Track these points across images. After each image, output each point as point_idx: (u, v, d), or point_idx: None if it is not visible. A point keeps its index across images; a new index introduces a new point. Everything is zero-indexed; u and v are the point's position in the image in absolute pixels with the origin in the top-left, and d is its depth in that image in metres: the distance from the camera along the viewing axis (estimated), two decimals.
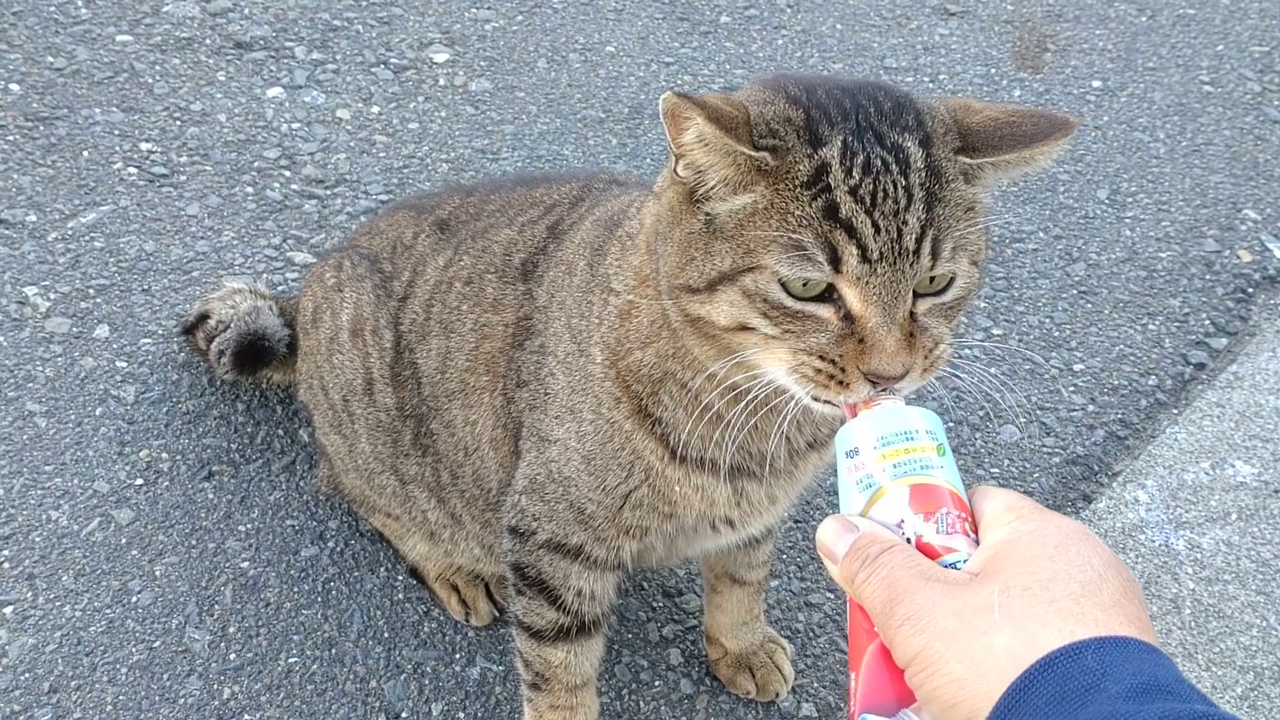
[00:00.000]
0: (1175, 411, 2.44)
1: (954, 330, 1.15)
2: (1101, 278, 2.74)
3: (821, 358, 1.07)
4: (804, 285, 1.07)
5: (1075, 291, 2.70)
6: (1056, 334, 2.59)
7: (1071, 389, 2.47)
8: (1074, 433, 2.38)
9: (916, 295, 1.08)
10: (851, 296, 1.06)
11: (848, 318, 1.07)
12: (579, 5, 3.35)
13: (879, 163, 1.06)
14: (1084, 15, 3.60)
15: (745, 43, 3.30)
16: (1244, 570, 2.12)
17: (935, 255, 1.06)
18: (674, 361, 1.29)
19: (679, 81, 3.14)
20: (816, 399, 1.10)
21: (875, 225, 1.04)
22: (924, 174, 1.07)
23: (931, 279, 1.08)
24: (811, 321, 1.08)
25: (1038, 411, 2.41)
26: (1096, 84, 3.34)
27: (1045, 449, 2.34)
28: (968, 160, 1.11)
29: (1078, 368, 2.52)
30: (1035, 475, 2.28)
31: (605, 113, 3.00)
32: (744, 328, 1.12)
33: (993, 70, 3.33)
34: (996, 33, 3.48)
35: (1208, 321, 2.66)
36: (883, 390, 1.07)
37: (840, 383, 1.07)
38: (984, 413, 2.35)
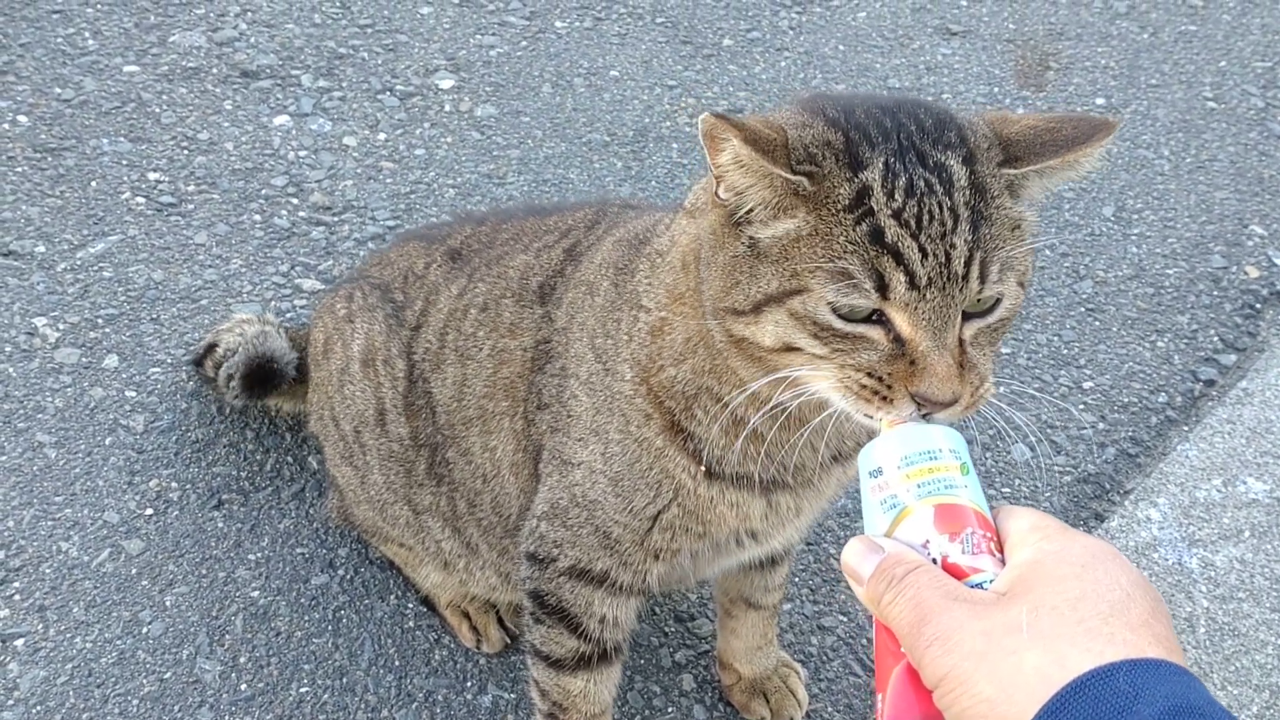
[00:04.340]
0: (1186, 428, 2.43)
1: (996, 355, 1.14)
2: (1109, 295, 2.74)
3: (870, 374, 1.06)
4: (850, 310, 1.06)
5: (1083, 309, 2.69)
6: (1065, 352, 2.58)
7: (1081, 407, 2.46)
8: (1085, 451, 2.37)
9: (964, 316, 1.07)
10: (900, 321, 1.05)
11: (897, 340, 1.06)
12: (583, 30, 3.37)
13: (922, 184, 1.05)
14: (1086, 33, 3.62)
15: (748, 65, 3.32)
16: (1258, 588, 2.10)
17: (984, 278, 1.05)
18: (710, 377, 1.28)
19: (683, 105, 3.15)
20: (858, 413, 1.09)
21: (922, 250, 1.03)
22: (969, 193, 1.06)
23: (979, 299, 1.07)
24: (862, 341, 1.07)
25: (1048, 430, 2.40)
26: (1100, 101, 3.35)
27: (1056, 467, 2.33)
28: (1012, 171, 1.09)
29: (1087, 385, 2.51)
30: (1047, 494, 2.28)
31: (610, 136, 3.01)
32: (790, 348, 1.10)
33: (996, 89, 3.34)
34: (999, 52, 3.50)
35: (1216, 338, 2.66)
36: (926, 414, 1.05)
37: (885, 399, 1.06)
38: (995, 431, 2.34)
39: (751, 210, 1.11)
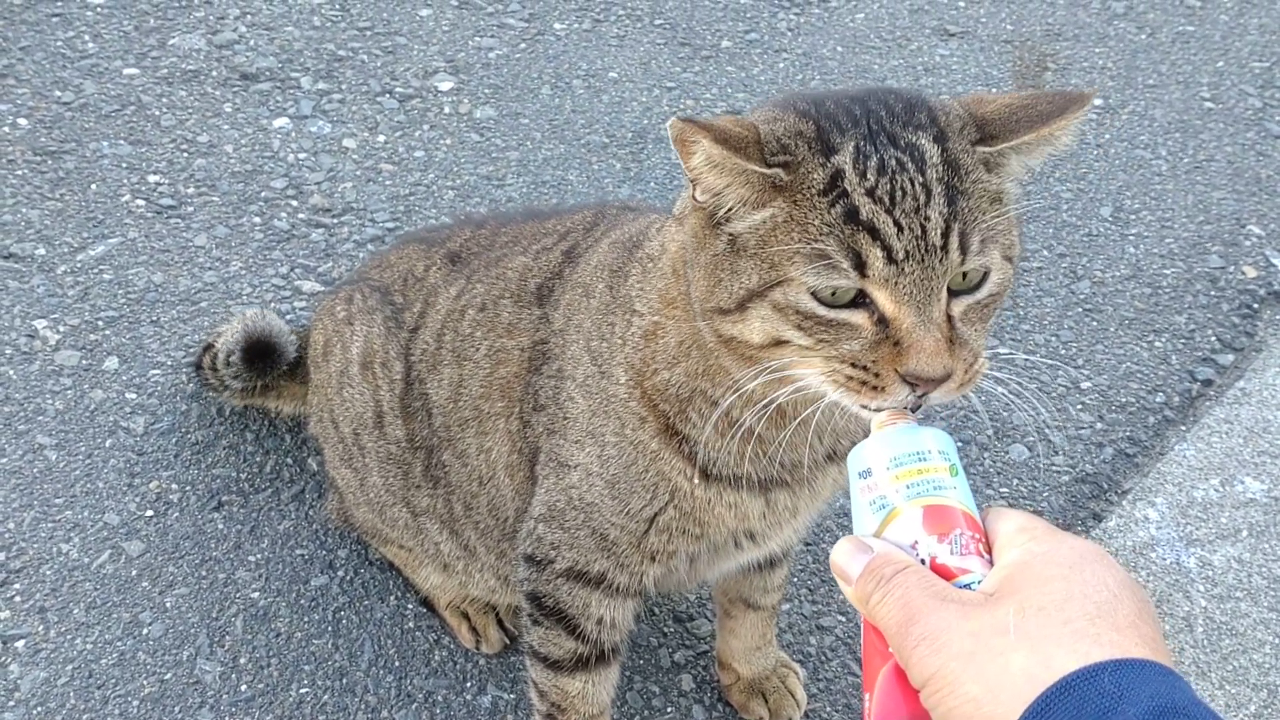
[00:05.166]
0: (1184, 428, 2.44)
1: (988, 333, 1.14)
2: (1106, 295, 2.74)
3: (854, 364, 1.06)
4: (833, 294, 1.06)
5: (1081, 309, 2.70)
6: (1063, 352, 2.59)
7: (1079, 407, 2.47)
8: (1083, 451, 2.37)
9: (952, 294, 1.07)
10: (882, 299, 1.05)
11: (882, 321, 1.05)
12: (581, 32, 3.38)
13: (894, 162, 1.05)
14: (1083, 34, 3.62)
15: (746, 67, 3.32)
16: (1256, 587, 2.11)
17: (964, 249, 1.05)
18: (703, 379, 1.29)
19: (681, 106, 3.15)
20: (853, 405, 1.09)
21: (897, 224, 1.03)
22: (941, 168, 1.06)
23: (964, 275, 1.07)
24: (846, 329, 1.07)
25: (1046, 430, 2.41)
26: (1098, 102, 3.35)
27: (1054, 468, 2.34)
28: (987, 149, 1.10)
29: (1085, 385, 2.52)
30: (1044, 494, 2.28)
31: (609, 138, 3.02)
32: (778, 342, 1.11)
33: (994, 90, 3.34)
34: (996, 52, 3.50)
35: (1214, 338, 2.66)
36: (921, 395, 1.05)
37: (875, 388, 1.05)
38: (993, 431, 2.35)
39: (731, 209, 1.11)
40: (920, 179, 1.05)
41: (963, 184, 1.06)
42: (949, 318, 1.06)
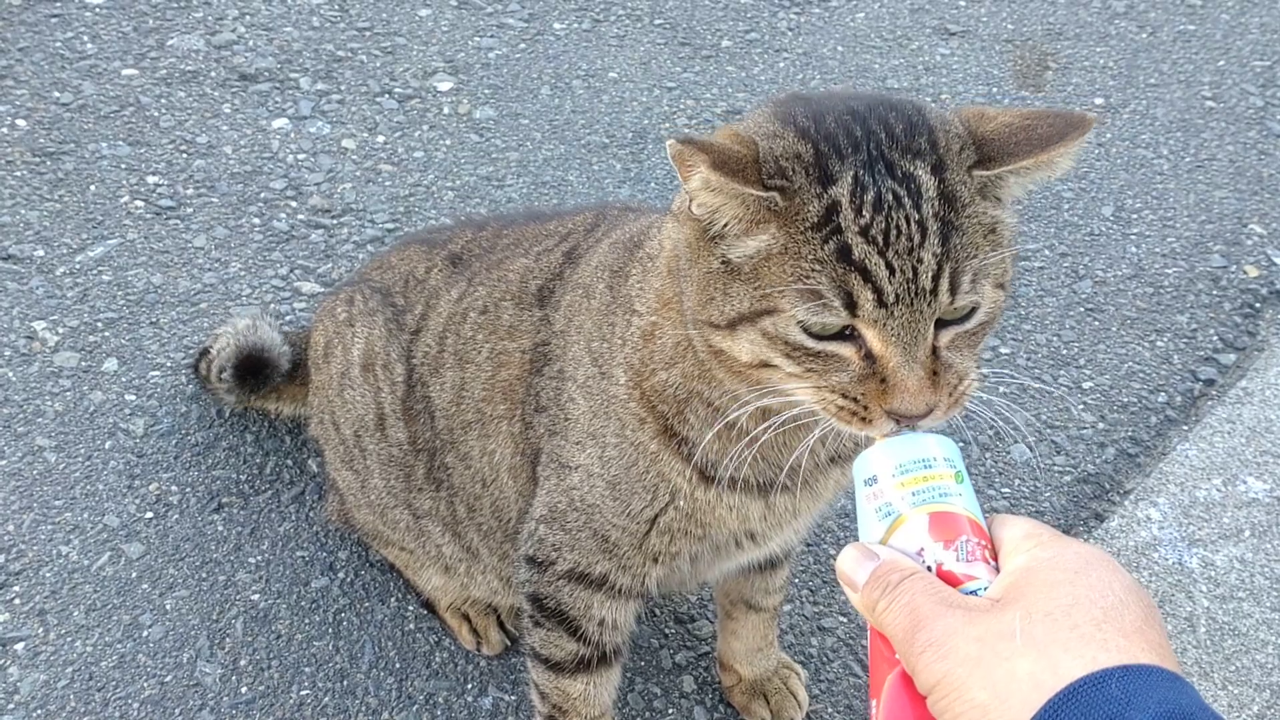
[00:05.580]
0: (1186, 428, 2.43)
1: (979, 355, 1.14)
2: (1108, 295, 2.74)
3: (844, 395, 1.06)
4: (822, 326, 1.05)
5: (1082, 309, 2.69)
6: (1065, 352, 2.58)
7: (1081, 407, 2.46)
8: (1084, 451, 2.37)
9: (940, 324, 1.06)
10: (870, 338, 1.04)
11: (869, 356, 1.05)
12: (581, 32, 3.37)
13: (890, 197, 1.03)
14: (1085, 33, 3.61)
15: (747, 66, 3.32)
16: (1258, 587, 2.10)
17: (954, 290, 1.04)
18: (700, 382, 1.28)
19: (682, 106, 3.15)
20: (842, 428, 1.09)
21: (890, 266, 1.02)
22: (938, 203, 1.04)
23: (953, 309, 1.06)
24: (834, 360, 1.07)
25: (1048, 430, 2.40)
26: (1099, 101, 3.35)
27: (1056, 468, 2.33)
28: (985, 173, 1.08)
29: (1087, 385, 2.51)
30: (1046, 494, 2.28)
31: (609, 138, 3.01)
32: (766, 365, 1.11)
33: (994, 90, 3.34)
34: (997, 52, 3.50)
35: (1216, 337, 2.66)
36: (906, 426, 1.05)
37: (863, 419, 1.06)
38: (994, 432, 2.34)
39: (725, 225, 1.10)
40: (916, 216, 1.03)
41: (958, 219, 1.05)
42: (934, 349, 1.06)
